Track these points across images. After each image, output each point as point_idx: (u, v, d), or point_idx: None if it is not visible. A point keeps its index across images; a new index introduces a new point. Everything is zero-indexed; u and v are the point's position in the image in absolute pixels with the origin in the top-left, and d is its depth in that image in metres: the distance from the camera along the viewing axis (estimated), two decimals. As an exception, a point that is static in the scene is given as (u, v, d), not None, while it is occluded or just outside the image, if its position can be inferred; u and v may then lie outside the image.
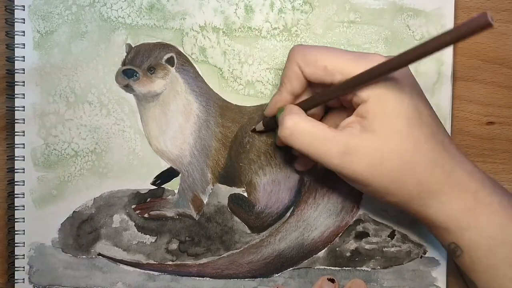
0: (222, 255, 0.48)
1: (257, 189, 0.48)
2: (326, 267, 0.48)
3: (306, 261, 0.48)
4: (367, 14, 0.47)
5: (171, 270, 0.48)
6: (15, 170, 0.48)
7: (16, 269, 0.48)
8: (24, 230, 0.48)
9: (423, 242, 0.48)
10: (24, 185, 0.48)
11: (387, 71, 0.35)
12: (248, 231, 0.48)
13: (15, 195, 0.48)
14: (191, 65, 0.48)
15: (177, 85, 0.48)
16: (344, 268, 0.48)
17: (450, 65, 0.47)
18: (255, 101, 0.48)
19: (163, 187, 0.48)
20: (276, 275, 0.48)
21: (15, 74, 0.47)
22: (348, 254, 0.48)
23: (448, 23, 0.47)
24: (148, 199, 0.48)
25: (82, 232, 0.48)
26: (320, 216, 0.48)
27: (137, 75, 0.46)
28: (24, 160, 0.48)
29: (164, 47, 0.47)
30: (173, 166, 0.48)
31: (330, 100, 0.40)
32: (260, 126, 0.46)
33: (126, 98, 0.48)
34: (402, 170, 0.37)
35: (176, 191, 0.48)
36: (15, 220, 0.48)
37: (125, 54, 0.47)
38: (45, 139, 0.48)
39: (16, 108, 0.47)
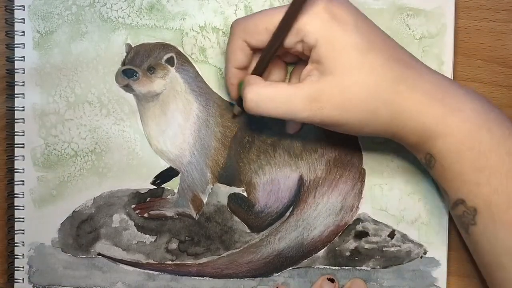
0: (222, 255, 0.48)
1: (257, 188, 0.48)
2: (325, 266, 0.48)
3: (306, 260, 0.48)
4: (366, 14, 0.47)
5: (171, 269, 0.48)
6: (15, 170, 0.48)
7: (15, 269, 0.48)
8: (23, 230, 0.48)
9: (423, 242, 0.48)
10: (24, 185, 0.48)
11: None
12: (248, 231, 0.48)
13: (15, 195, 0.48)
14: (191, 65, 0.48)
15: (177, 85, 0.48)
16: (344, 267, 0.48)
17: (450, 64, 0.47)
18: (254, 100, 0.48)
19: (162, 187, 0.48)
20: (276, 274, 0.48)
21: (15, 74, 0.47)
22: (347, 253, 0.48)
23: (448, 22, 0.47)
24: (148, 199, 0.48)
25: (82, 232, 0.48)
26: (320, 216, 0.48)
27: (137, 75, 0.46)
28: (24, 160, 0.48)
29: (164, 47, 0.47)
30: (172, 165, 0.48)
31: (276, 51, 0.40)
32: (237, 109, 0.46)
33: (126, 98, 0.48)
34: (367, 99, 0.38)
35: (175, 190, 0.48)
36: (15, 220, 0.48)
37: (125, 54, 0.48)
38: (45, 139, 0.48)
39: (16, 108, 0.47)
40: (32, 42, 0.47)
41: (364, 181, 0.48)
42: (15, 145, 0.48)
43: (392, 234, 0.48)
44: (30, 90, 0.48)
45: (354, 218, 0.48)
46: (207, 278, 0.48)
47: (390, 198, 0.48)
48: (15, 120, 0.47)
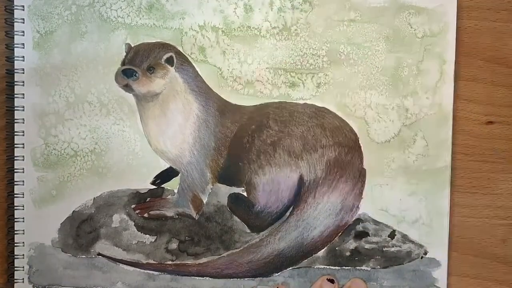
0: (222, 255, 0.48)
1: (257, 188, 0.48)
2: (325, 266, 0.48)
3: (306, 260, 0.48)
4: (368, 12, 0.47)
5: (171, 269, 0.48)
6: (15, 170, 0.48)
7: (15, 269, 0.48)
8: (23, 230, 0.48)
9: (424, 243, 0.48)
10: (23, 185, 0.48)
11: None
12: (248, 231, 0.48)
13: (15, 195, 0.48)
14: (191, 65, 0.48)
15: (176, 84, 0.47)
16: (344, 267, 0.48)
17: (452, 63, 0.47)
18: (254, 100, 0.48)
19: (162, 187, 0.48)
20: (276, 274, 0.48)
21: (15, 74, 0.47)
22: (347, 253, 0.48)
23: (450, 21, 0.47)
24: (148, 199, 0.48)
25: (81, 232, 0.48)
26: (320, 216, 0.48)
27: (137, 74, 0.46)
28: (23, 160, 0.48)
29: (164, 46, 0.47)
30: (172, 165, 0.48)
31: None
32: None
33: (125, 98, 0.48)
34: None
35: (175, 190, 0.48)
36: (15, 220, 0.48)
37: (124, 54, 0.47)
38: (45, 139, 0.48)
39: (16, 108, 0.47)
40: (32, 42, 0.47)
41: (364, 181, 0.48)
42: (15, 145, 0.48)
43: (392, 235, 0.48)
44: (30, 90, 0.48)
45: (354, 218, 0.48)
46: (207, 278, 0.48)
47: (390, 199, 0.48)
48: (15, 120, 0.47)
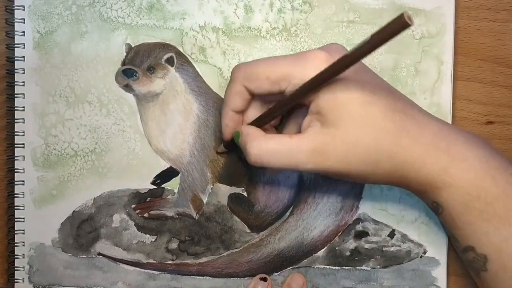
0: (222, 254, 0.48)
1: (257, 188, 0.48)
2: (325, 266, 0.48)
3: (306, 260, 0.48)
4: (366, 13, 0.47)
5: (171, 269, 0.48)
6: (15, 170, 0.48)
7: (16, 268, 0.48)
8: (24, 230, 0.48)
9: (423, 242, 0.48)
10: (24, 185, 0.48)
11: (330, 77, 0.36)
12: (248, 231, 0.48)
13: (15, 195, 0.48)
14: (191, 65, 0.48)
15: (176, 85, 0.48)
16: (344, 267, 0.48)
17: (450, 64, 0.47)
18: (254, 100, 0.48)
19: (162, 187, 0.48)
20: (276, 274, 0.48)
21: (15, 74, 0.47)
22: (347, 253, 0.48)
23: (448, 22, 0.47)
24: (148, 199, 0.48)
25: (82, 231, 0.48)
26: (320, 215, 0.48)
27: (137, 75, 0.46)
28: (24, 160, 0.48)
29: (164, 47, 0.47)
30: (172, 165, 0.48)
31: (284, 112, 0.40)
32: (222, 148, 0.47)
33: (126, 98, 0.48)
34: (370, 151, 0.38)
35: (175, 190, 0.48)
36: (15, 219, 0.48)
37: (124, 54, 0.48)
38: (45, 139, 0.48)
39: (16, 108, 0.47)
40: (32, 42, 0.47)
41: (364, 181, 0.48)
42: (15, 145, 0.48)
43: (392, 234, 0.48)
44: (30, 90, 0.48)
45: (354, 218, 0.48)
46: (207, 277, 0.48)
47: (390, 198, 0.48)
48: (15, 120, 0.47)
